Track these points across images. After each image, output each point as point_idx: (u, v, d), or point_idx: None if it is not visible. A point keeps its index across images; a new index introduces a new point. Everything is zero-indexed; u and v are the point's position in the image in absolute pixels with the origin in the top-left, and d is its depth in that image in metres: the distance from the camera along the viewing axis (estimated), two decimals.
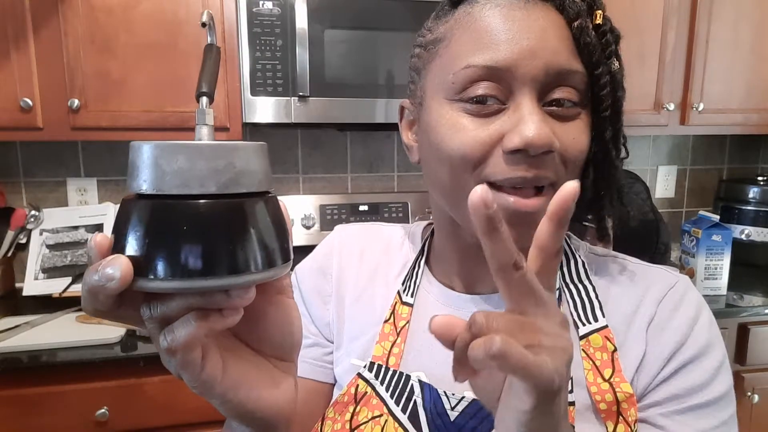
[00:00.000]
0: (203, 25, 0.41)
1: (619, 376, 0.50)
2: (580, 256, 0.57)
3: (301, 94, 1.50)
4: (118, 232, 0.33)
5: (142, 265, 0.31)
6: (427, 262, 0.62)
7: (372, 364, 0.55)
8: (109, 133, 1.51)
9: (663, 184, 2.27)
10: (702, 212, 1.92)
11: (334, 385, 0.62)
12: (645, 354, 0.51)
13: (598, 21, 0.48)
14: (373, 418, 0.52)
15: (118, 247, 0.32)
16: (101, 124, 1.49)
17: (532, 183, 0.47)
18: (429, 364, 0.54)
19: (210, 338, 0.37)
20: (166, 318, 0.34)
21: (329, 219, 1.92)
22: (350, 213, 1.94)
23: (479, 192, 0.32)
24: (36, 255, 1.74)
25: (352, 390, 0.55)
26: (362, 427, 0.52)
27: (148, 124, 1.51)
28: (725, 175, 2.34)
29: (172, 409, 1.34)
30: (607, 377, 0.50)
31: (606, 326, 0.52)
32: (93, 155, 1.83)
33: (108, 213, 1.80)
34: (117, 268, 0.31)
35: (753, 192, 2.04)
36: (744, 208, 2.04)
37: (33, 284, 1.71)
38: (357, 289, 0.63)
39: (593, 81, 0.48)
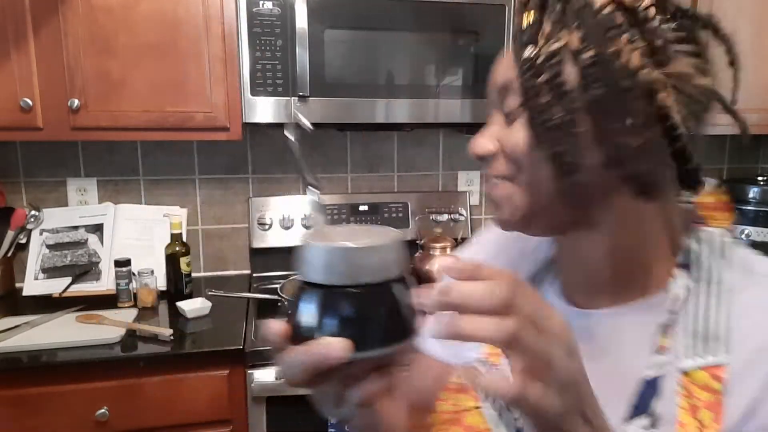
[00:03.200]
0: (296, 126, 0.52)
1: (718, 425, 0.42)
2: (714, 263, 0.49)
3: (301, 94, 1.50)
4: (299, 317, 0.40)
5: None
6: (559, 272, 0.59)
7: (482, 360, 0.58)
8: (109, 133, 1.51)
9: None
10: None
11: None
12: (757, 402, 0.42)
13: (528, 21, 0.48)
14: (475, 407, 0.55)
15: (306, 329, 0.40)
16: (101, 124, 1.49)
17: (495, 176, 0.52)
18: None
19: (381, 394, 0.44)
20: (351, 377, 0.41)
21: (329, 219, 1.92)
22: (350, 213, 1.94)
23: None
24: (36, 255, 1.74)
25: (461, 379, 0.59)
26: (464, 412, 0.55)
27: (148, 124, 1.51)
28: (725, 175, 2.34)
29: (172, 409, 1.34)
30: (705, 423, 0.43)
31: (721, 364, 0.44)
32: (93, 155, 1.83)
33: (108, 213, 1.80)
34: (337, 349, 0.38)
35: (753, 192, 2.04)
36: (744, 208, 2.04)
37: (33, 284, 1.71)
38: None
39: (518, 74, 0.48)
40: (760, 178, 2.07)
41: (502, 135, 0.51)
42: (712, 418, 0.43)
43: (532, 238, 0.61)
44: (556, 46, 0.45)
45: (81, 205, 1.84)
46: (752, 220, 2.02)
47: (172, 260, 1.66)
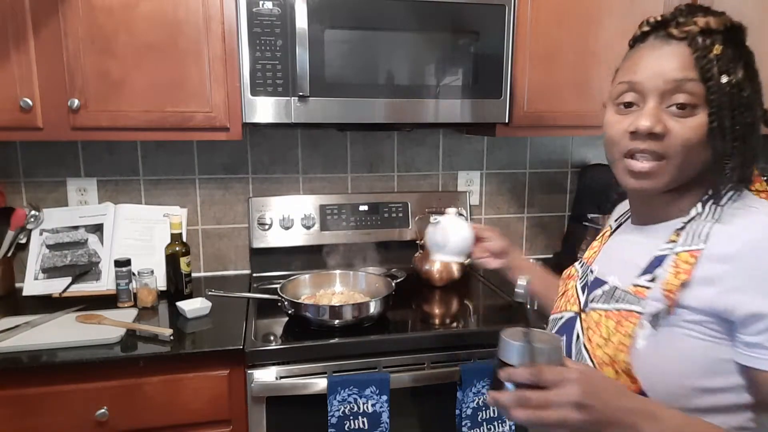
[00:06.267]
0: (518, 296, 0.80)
1: (683, 276, 0.73)
2: (721, 204, 0.76)
3: (301, 94, 1.50)
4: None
5: None
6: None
7: (581, 260, 0.98)
8: (109, 133, 1.51)
9: None
10: None
11: None
12: (715, 277, 0.71)
13: (716, 52, 0.73)
14: (572, 285, 0.93)
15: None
16: (101, 124, 1.49)
17: (646, 152, 0.76)
18: (602, 263, 0.91)
19: None
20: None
21: (329, 219, 1.92)
22: (350, 213, 1.94)
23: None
24: (36, 255, 1.74)
25: (569, 272, 0.99)
26: (568, 288, 0.94)
27: (148, 124, 1.51)
28: None
29: (172, 409, 1.34)
30: (680, 278, 0.73)
31: (698, 249, 0.73)
32: (93, 155, 1.83)
33: (108, 213, 1.80)
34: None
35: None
36: None
37: (33, 284, 1.71)
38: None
39: (708, 90, 0.72)
40: None
41: (671, 123, 0.74)
42: (684, 278, 0.72)
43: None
44: (740, 76, 0.73)
45: (81, 205, 1.84)
46: None
47: (172, 260, 1.66)
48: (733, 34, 0.76)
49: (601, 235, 0.99)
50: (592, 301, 0.84)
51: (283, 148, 1.95)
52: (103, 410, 1.30)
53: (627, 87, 0.78)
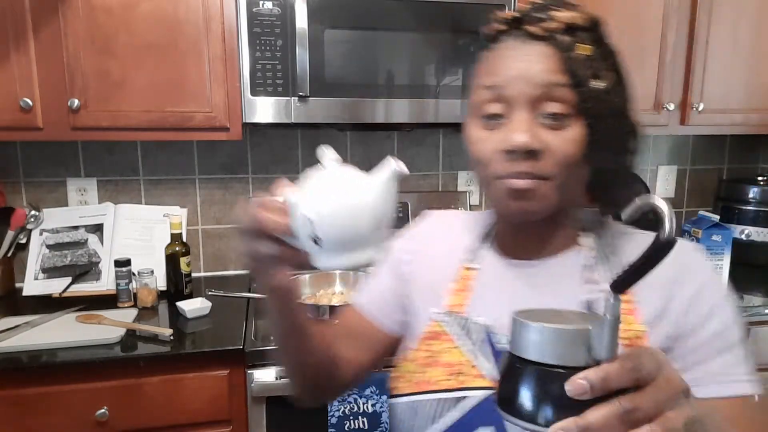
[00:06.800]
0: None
1: (636, 321, 0.64)
2: (611, 230, 0.72)
3: (301, 94, 1.50)
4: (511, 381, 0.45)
5: (513, 404, 0.44)
6: (496, 238, 0.77)
7: (447, 312, 0.73)
8: (109, 133, 1.51)
9: (663, 184, 2.27)
10: (702, 212, 1.92)
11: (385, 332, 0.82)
12: (664, 307, 0.64)
13: (580, 52, 0.62)
14: (452, 348, 0.70)
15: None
16: (101, 124, 1.49)
17: (526, 173, 0.62)
18: (496, 314, 0.69)
19: None
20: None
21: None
22: None
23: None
24: (36, 255, 1.74)
25: (430, 330, 0.73)
26: (440, 354, 0.70)
27: (148, 124, 1.51)
28: (725, 175, 2.34)
29: (172, 409, 1.35)
30: (629, 321, 0.63)
31: None
32: (93, 155, 1.83)
33: (108, 213, 1.80)
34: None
35: (753, 192, 2.04)
36: (744, 208, 2.04)
37: (33, 284, 1.71)
38: (428, 262, 0.81)
39: (581, 97, 0.61)
40: (760, 178, 2.07)
41: (548, 137, 0.62)
42: (632, 319, 0.64)
43: (474, 218, 0.82)
44: (612, 79, 0.63)
45: (81, 205, 1.84)
46: (752, 220, 2.03)
47: (172, 260, 1.66)
48: (598, 30, 0.65)
49: (457, 275, 0.75)
50: None
51: (283, 148, 1.95)
52: (103, 410, 1.30)
53: (490, 94, 0.64)
